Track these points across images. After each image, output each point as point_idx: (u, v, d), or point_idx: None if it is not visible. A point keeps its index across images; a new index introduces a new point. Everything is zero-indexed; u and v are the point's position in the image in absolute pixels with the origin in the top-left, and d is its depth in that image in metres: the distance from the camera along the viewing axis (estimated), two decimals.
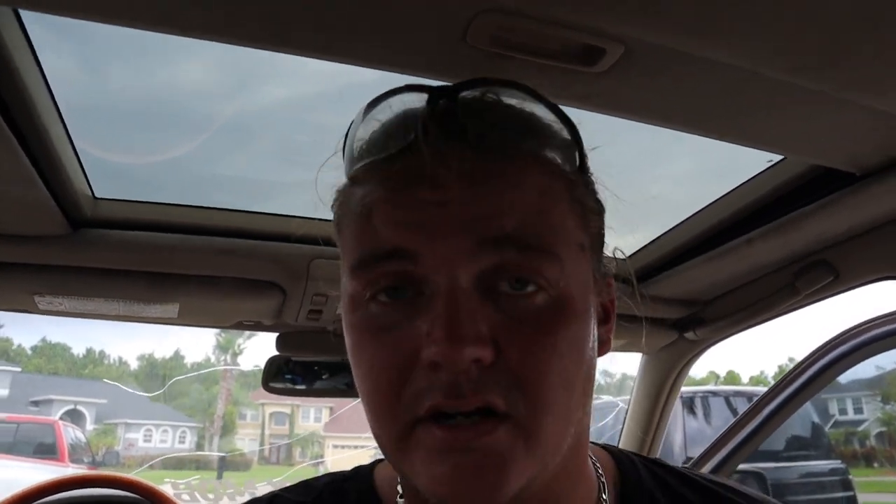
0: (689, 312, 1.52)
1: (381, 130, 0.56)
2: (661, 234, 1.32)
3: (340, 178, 0.59)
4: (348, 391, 1.67)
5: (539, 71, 0.67)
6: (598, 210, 0.58)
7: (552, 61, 0.66)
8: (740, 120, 0.82)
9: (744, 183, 1.11)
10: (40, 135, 0.88)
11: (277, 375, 1.63)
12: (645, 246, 1.39)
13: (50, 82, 0.86)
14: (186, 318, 1.41)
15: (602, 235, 0.59)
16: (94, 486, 1.53)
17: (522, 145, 0.53)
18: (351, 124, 0.57)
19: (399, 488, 0.59)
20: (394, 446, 0.50)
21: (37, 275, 1.17)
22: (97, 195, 1.15)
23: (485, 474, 0.46)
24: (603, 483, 0.61)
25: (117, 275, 1.20)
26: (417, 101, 0.54)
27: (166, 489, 1.73)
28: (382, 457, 0.65)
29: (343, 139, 0.58)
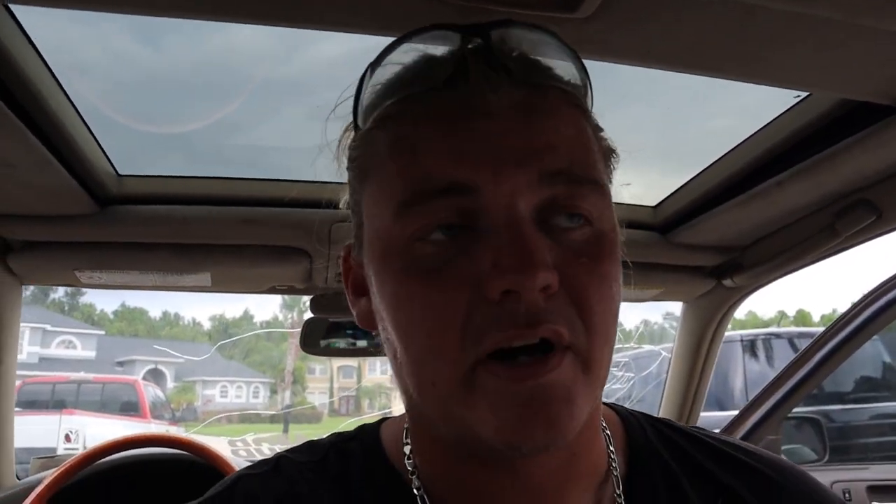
0: (726, 259, 1.47)
1: (410, 68, 0.54)
2: (690, 180, 1.27)
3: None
4: (382, 349, 1.70)
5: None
6: (612, 154, 0.58)
7: (530, 10, 0.63)
8: (751, 57, 0.77)
9: (770, 122, 1.05)
10: (51, 120, 0.90)
11: (315, 337, 1.67)
12: (674, 192, 1.34)
13: (52, 67, 0.87)
14: (220, 286, 1.45)
15: (611, 181, 0.59)
16: (150, 446, 1.62)
17: (552, 81, 0.53)
18: (364, 72, 0.56)
19: (406, 446, 0.58)
20: (454, 394, 0.47)
21: (73, 252, 1.23)
22: (121, 173, 1.18)
23: (554, 411, 0.46)
24: (609, 438, 0.60)
25: (148, 248, 1.25)
26: (445, 44, 0.53)
27: (223, 446, 1.81)
28: (387, 416, 0.66)
29: (356, 87, 0.56)
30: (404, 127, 0.51)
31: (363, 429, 0.64)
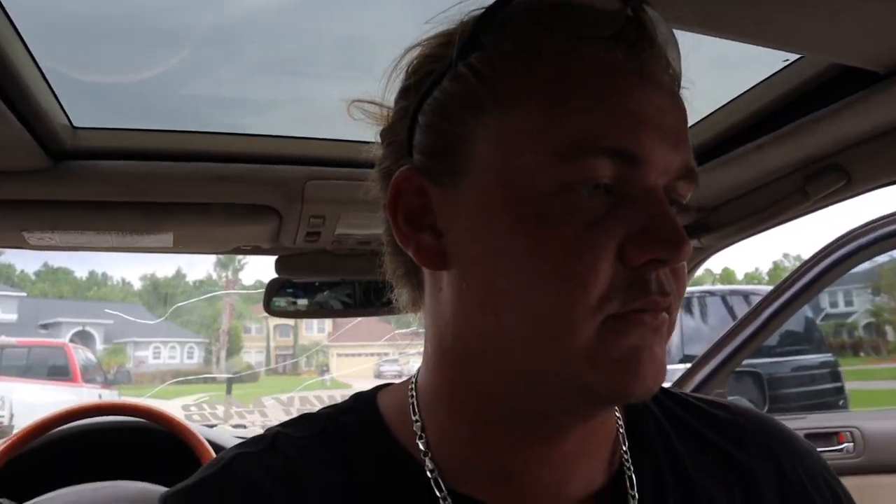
0: (695, 219, 1.49)
1: (578, 9, 0.50)
2: None
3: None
4: (349, 310, 1.68)
5: None
6: None
7: None
8: (756, 18, 0.76)
9: (756, 85, 1.05)
10: (2, 64, 0.81)
11: (279, 297, 1.62)
12: None
13: (4, 5, 0.78)
14: (182, 247, 1.38)
15: None
16: (106, 414, 1.55)
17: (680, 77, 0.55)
18: None
19: (416, 422, 0.56)
20: (581, 346, 0.47)
21: (21, 211, 1.13)
22: (76, 125, 1.09)
23: (660, 362, 0.49)
24: None
25: (106, 207, 1.16)
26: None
27: (176, 410, 1.76)
28: (382, 383, 0.64)
29: (490, 8, 0.51)
30: (581, 71, 0.49)
31: (359, 399, 0.62)
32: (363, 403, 0.60)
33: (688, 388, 2.21)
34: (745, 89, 1.07)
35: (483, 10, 0.51)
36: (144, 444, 1.60)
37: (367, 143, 0.63)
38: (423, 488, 0.53)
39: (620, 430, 0.59)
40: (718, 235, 1.45)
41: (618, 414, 0.60)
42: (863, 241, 1.92)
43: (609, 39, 0.49)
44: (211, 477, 0.55)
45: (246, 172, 1.19)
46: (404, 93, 0.56)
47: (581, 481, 0.55)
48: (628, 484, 0.56)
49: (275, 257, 1.55)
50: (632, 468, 0.57)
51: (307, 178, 1.21)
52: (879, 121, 1.00)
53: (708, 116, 1.16)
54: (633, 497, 0.55)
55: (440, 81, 0.52)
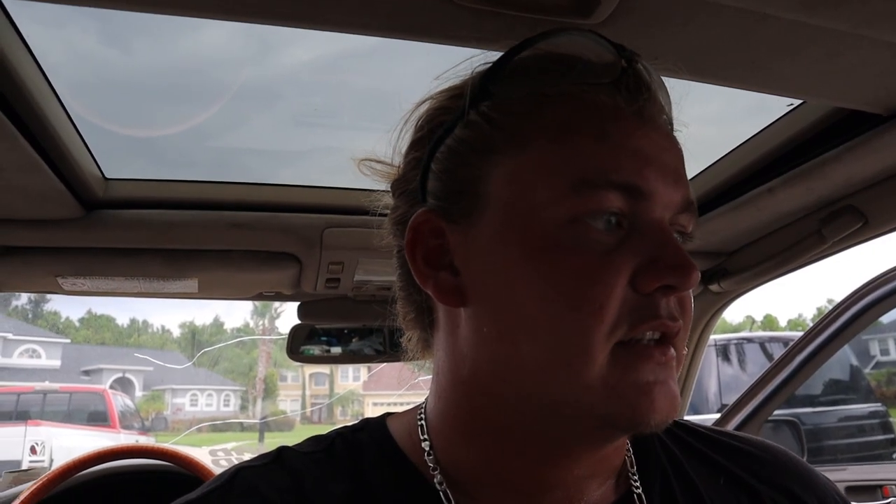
0: (714, 264, 1.48)
1: (576, 58, 0.55)
2: None
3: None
4: (374, 356, 1.69)
5: (532, 27, 0.64)
6: None
7: (544, 15, 0.63)
8: (753, 65, 0.78)
9: (763, 129, 1.06)
10: (40, 121, 0.87)
11: (302, 344, 1.65)
12: None
13: (42, 66, 0.85)
14: (207, 292, 1.43)
15: None
16: (132, 457, 1.58)
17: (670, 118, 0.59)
18: (519, 45, 0.55)
19: (424, 442, 0.58)
20: (593, 372, 0.49)
21: (56, 257, 1.19)
22: (107, 176, 1.15)
23: (673, 391, 0.51)
24: None
25: (134, 253, 1.22)
26: (590, 47, 0.55)
27: (205, 456, 1.78)
28: (390, 411, 0.65)
29: (504, 54, 0.55)
30: (588, 112, 0.53)
31: (369, 421, 0.63)
32: (373, 424, 0.63)
33: None
34: (752, 134, 1.08)
35: (491, 63, 0.56)
36: (170, 488, 1.61)
37: (384, 191, 0.66)
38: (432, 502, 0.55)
39: (629, 453, 0.61)
40: (737, 280, 1.44)
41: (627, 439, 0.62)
42: (892, 285, 1.87)
43: (610, 85, 0.53)
44: (215, 491, 0.56)
45: (266, 220, 1.23)
46: (416, 144, 0.60)
47: (590, 501, 0.56)
48: (637, 501, 0.57)
49: (297, 304, 1.59)
50: (640, 488, 0.58)
51: (325, 225, 1.25)
52: (889, 162, 1.00)
53: (717, 162, 1.17)
54: None
55: (452, 130, 0.56)
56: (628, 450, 0.61)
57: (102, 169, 1.13)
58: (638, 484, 0.59)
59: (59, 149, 0.95)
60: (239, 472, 0.57)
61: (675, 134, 0.59)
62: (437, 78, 0.60)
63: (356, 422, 0.64)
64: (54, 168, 0.97)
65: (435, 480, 0.56)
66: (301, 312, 1.57)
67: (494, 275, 0.53)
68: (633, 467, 0.60)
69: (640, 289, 0.50)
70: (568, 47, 0.55)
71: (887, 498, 2.12)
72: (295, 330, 1.63)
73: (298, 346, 1.65)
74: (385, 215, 0.65)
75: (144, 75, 1.47)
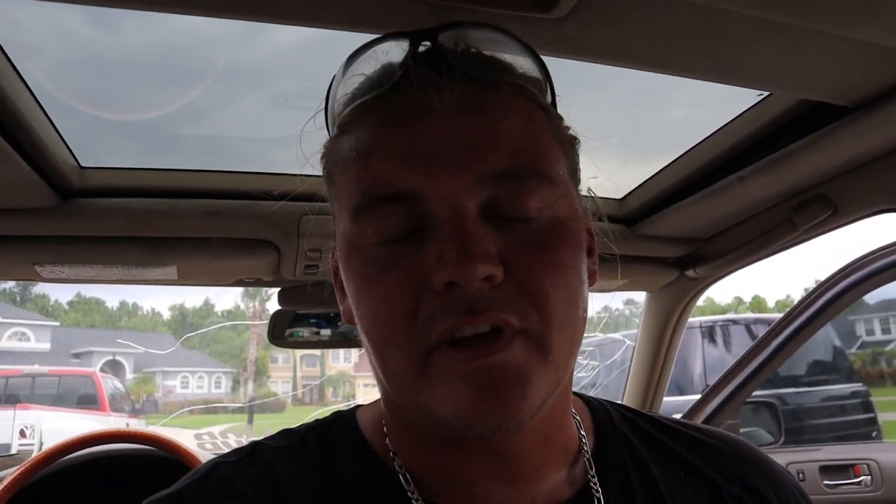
0: (690, 250, 1.50)
1: (367, 77, 0.57)
2: (656, 173, 1.30)
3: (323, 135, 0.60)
4: (354, 341, 1.71)
5: (493, 21, 0.64)
6: (573, 143, 0.60)
7: (506, 10, 0.64)
8: (716, 58, 0.79)
9: (734, 119, 1.07)
10: (9, 111, 0.87)
11: (283, 329, 1.66)
12: (642, 184, 1.36)
13: (10, 56, 0.85)
14: (186, 279, 1.43)
15: (578, 169, 0.61)
16: (116, 442, 1.59)
17: (503, 77, 0.55)
18: (332, 82, 0.59)
19: (385, 429, 0.60)
20: (411, 379, 0.50)
21: (33, 246, 1.19)
22: (83, 164, 1.15)
23: (507, 391, 0.48)
24: (579, 422, 0.63)
25: (112, 241, 1.22)
26: (398, 50, 0.55)
27: (189, 440, 1.79)
28: (360, 403, 0.67)
29: (324, 100, 0.59)
30: (360, 132, 0.54)
31: (339, 415, 0.65)
32: (343, 418, 0.64)
33: (699, 419, 2.18)
34: (724, 123, 1.09)
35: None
36: (154, 472, 1.63)
37: None
38: (398, 494, 0.56)
39: (585, 447, 0.61)
40: (712, 266, 1.46)
41: (583, 430, 0.63)
42: (878, 265, 1.89)
43: (384, 93, 0.54)
44: (190, 486, 0.57)
45: (244, 208, 1.24)
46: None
47: (544, 494, 0.57)
48: (594, 494, 0.58)
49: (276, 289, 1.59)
50: (597, 484, 0.59)
51: (302, 213, 1.25)
52: (855, 152, 1.02)
53: (690, 150, 1.18)
54: None
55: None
56: (584, 442, 0.61)
57: (77, 157, 1.13)
58: (595, 480, 0.59)
59: (30, 138, 0.95)
60: (215, 468, 0.58)
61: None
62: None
63: (329, 415, 0.65)
64: (26, 157, 0.97)
65: (400, 474, 0.57)
66: (281, 298, 1.58)
67: (349, 300, 0.57)
68: (590, 463, 0.60)
69: (433, 289, 0.48)
70: (373, 62, 0.57)
71: (858, 476, 2.16)
72: (276, 315, 1.64)
73: (279, 331, 1.66)
74: None
75: (120, 58, 1.45)
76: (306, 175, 1.28)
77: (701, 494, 0.61)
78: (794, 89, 0.90)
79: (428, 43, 0.55)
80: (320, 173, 1.28)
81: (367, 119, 0.54)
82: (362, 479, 0.57)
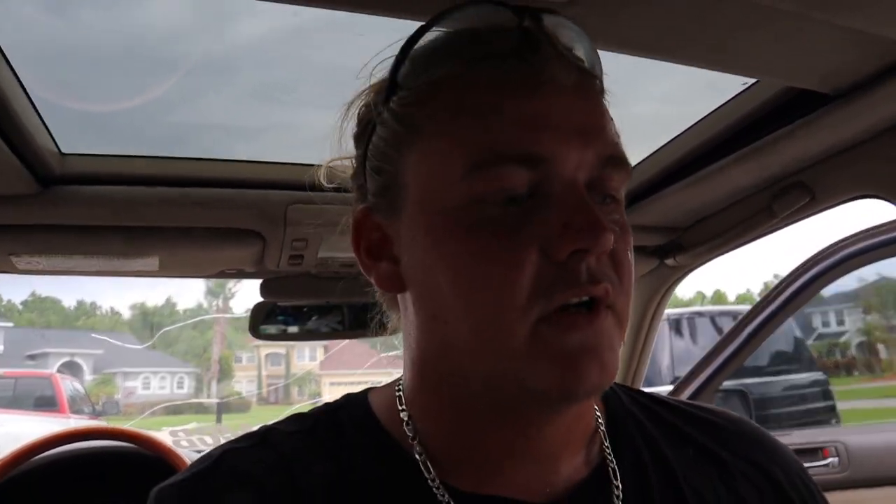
0: (669, 239, 1.53)
1: (469, 35, 0.56)
2: (639, 162, 1.32)
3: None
4: (337, 332, 1.70)
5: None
6: None
7: None
8: (709, 44, 0.81)
9: (718, 108, 1.10)
10: None
11: (264, 321, 1.64)
12: None
13: None
14: (168, 270, 1.40)
15: None
16: (93, 439, 1.56)
17: (595, 70, 0.58)
18: (414, 35, 0.56)
19: (403, 412, 0.59)
20: (517, 348, 0.50)
21: (9, 235, 1.16)
22: (64, 151, 1.12)
23: (605, 358, 0.50)
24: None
25: (93, 231, 1.19)
26: (501, 18, 0.55)
27: (165, 437, 1.76)
28: (371, 386, 0.66)
29: (402, 47, 0.57)
30: (476, 89, 0.53)
31: (350, 398, 0.64)
32: (354, 401, 0.63)
33: None
34: (708, 112, 1.12)
35: (398, 52, 0.57)
36: (131, 469, 1.60)
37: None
38: (414, 477, 0.56)
39: (601, 427, 0.62)
40: (692, 254, 1.49)
41: (598, 412, 0.64)
42: (841, 255, 1.96)
43: (507, 55, 0.54)
44: (203, 471, 0.56)
45: (229, 197, 1.22)
46: (356, 141, 0.63)
47: (564, 474, 0.58)
48: (611, 475, 0.59)
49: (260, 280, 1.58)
50: (614, 461, 0.60)
51: (290, 202, 1.24)
52: (834, 140, 1.05)
53: (673, 139, 1.20)
54: (617, 487, 0.58)
55: (376, 128, 0.59)
56: (600, 423, 0.63)
57: (59, 144, 1.10)
58: (612, 458, 0.60)
59: (11, 122, 0.92)
60: (225, 454, 0.57)
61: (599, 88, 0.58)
62: (359, 77, 0.62)
63: (339, 398, 0.64)
64: (7, 142, 0.94)
65: (417, 455, 0.57)
66: (263, 290, 1.56)
67: (418, 262, 0.55)
68: (606, 439, 0.61)
69: (553, 257, 0.49)
70: (468, 22, 0.56)
71: (826, 458, 2.24)
72: (257, 308, 1.62)
73: (261, 324, 1.64)
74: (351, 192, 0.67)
75: (94, 46, 1.42)
76: (295, 164, 1.26)
77: (710, 472, 0.63)
78: (782, 76, 0.92)
79: (532, 21, 0.55)
80: (308, 162, 1.26)
81: (488, 76, 0.53)
82: (377, 463, 0.57)
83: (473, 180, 0.51)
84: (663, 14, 0.74)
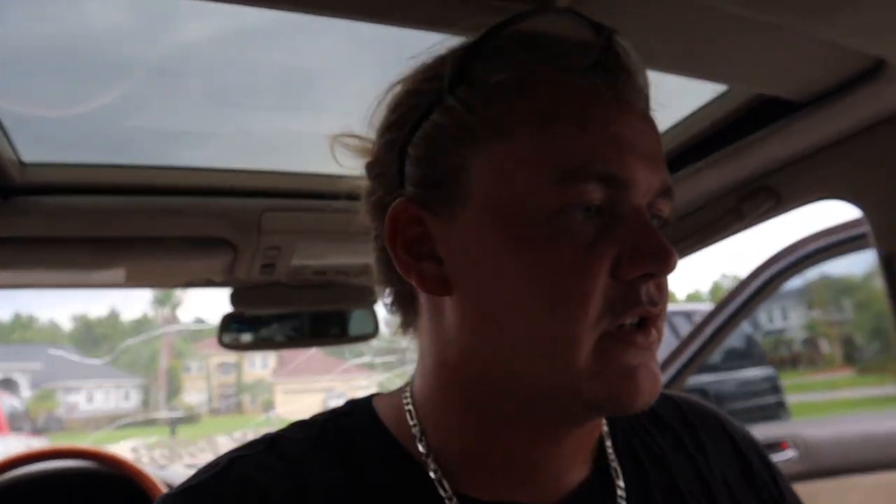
0: None
1: (552, 41, 0.54)
2: None
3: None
4: (307, 340, 1.67)
5: (495, 13, 0.65)
6: None
7: (509, 1, 0.64)
8: (685, 52, 0.83)
9: (692, 113, 1.13)
10: None
11: (234, 332, 1.61)
12: None
13: None
14: (134, 282, 1.36)
15: None
16: (55, 459, 1.49)
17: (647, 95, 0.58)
18: (491, 30, 0.54)
19: (414, 426, 0.58)
20: (583, 359, 0.50)
21: None
22: (24, 160, 1.07)
23: (656, 374, 0.53)
24: None
25: (57, 243, 1.14)
26: (579, 30, 0.54)
27: (126, 454, 1.70)
28: (375, 392, 0.65)
29: (479, 39, 0.54)
30: (570, 99, 0.53)
31: (355, 405, 0.63)
32: (361, 408, 0.62)
33: None
34: (682, 117, 1.14)
35: (470, 43, 0.55)
36: (95, 487, 1.54)
37: (328, 175, 0.65)
38: (425, 488, 0.55)
39: (603, 427, 0.63)
40: None
41: None
42: (798, 255, 2.04)
43: (589, 69, 0.53)
44: (210, 479, 0.54)
45: (199, 205, 1.19)
46: (391, 127, 0.58)
47: (572, 478, 0.59)
48: (613, 474, 0.60)
49: (227, 291, 1.54)
50: (616, 460, 0.61)
51: (264, 209, 1.22)
52: (802, 145, 1.09)
53: None
54: (620, 487, 0.59)
55: (428, 115, 0.55)
56: (603, 423, 0.63)
57: (19, 153, 1.05)
58: (614, 457, 0.61)
59: None
60: (234, 461, 0.55)
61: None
62: (413, 57, 0.58)
63: (343, 404, 0.63)
64: None
65: (429, 464, 0.56)
66: (233, 299, 1.53)
67: (479, 266, 0.53)
68: (608, 440, 0.62)
69: (621, 277, 0.51)
70: (547, 28, 0.55)
71: (784, 450, 2.32)
72: (227, 318, 1.58)
73: (230, 334, 1.61)
74: (329, 197, 0.65)
75: (28, 50, 1.35)
76: (269, 171, 1.23)
77: (686, 453, 0.65)
78: (752, 84, 0.95)
79: (604, 40, 0.54)
80: (283, 169, 1.23)
81: (578, 88, 0.53)
82: (387, 471, 0.56)
83: (561, 190, 0.50)
84: (640, 23, 0.75)
